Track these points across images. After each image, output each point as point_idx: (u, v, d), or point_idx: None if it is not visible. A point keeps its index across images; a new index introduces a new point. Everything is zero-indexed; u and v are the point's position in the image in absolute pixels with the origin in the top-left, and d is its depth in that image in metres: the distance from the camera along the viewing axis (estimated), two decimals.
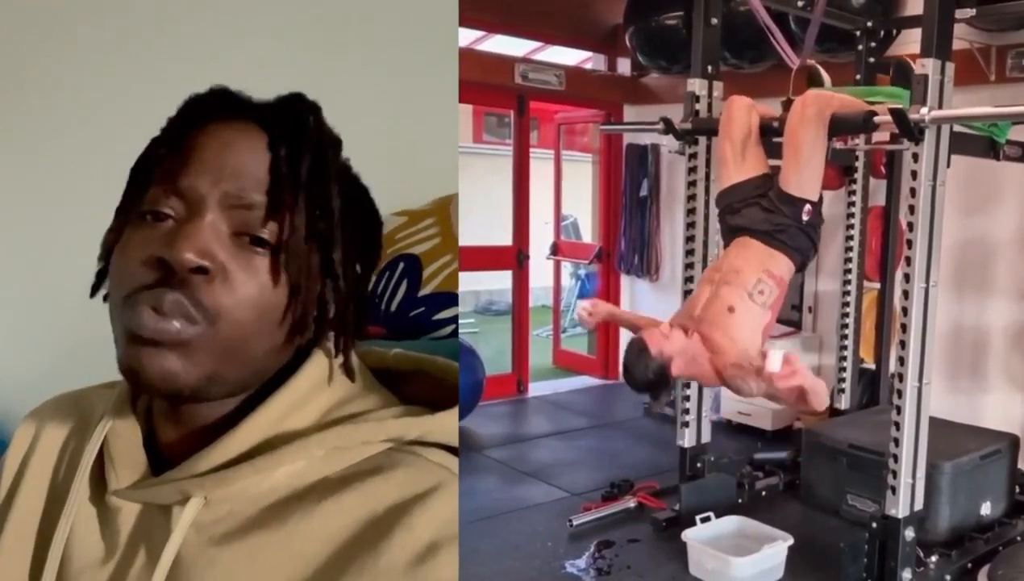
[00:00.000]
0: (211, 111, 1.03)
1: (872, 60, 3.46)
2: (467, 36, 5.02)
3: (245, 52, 2.21)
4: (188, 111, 1.05)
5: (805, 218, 2.33)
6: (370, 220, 1.14)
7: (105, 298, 1.05)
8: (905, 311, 2.45)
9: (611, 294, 5.53)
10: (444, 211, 1.77)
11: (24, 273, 2.45)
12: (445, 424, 1.03)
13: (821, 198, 2.42)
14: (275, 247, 0.98)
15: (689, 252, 3.08)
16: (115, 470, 1.05)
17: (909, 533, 2.49)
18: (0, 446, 1.21)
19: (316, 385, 1.04)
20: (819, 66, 2.82)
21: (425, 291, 1.66)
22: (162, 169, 0.99)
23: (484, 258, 5.16)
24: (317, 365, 1.05)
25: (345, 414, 1.03)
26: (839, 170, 3.60)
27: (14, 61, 2.51)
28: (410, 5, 2.16)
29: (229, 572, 0.96)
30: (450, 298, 1.64)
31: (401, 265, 1.69)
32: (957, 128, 2.51)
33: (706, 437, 3.20)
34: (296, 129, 1.02)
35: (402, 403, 1.08)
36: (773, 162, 2.50)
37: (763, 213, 2.36)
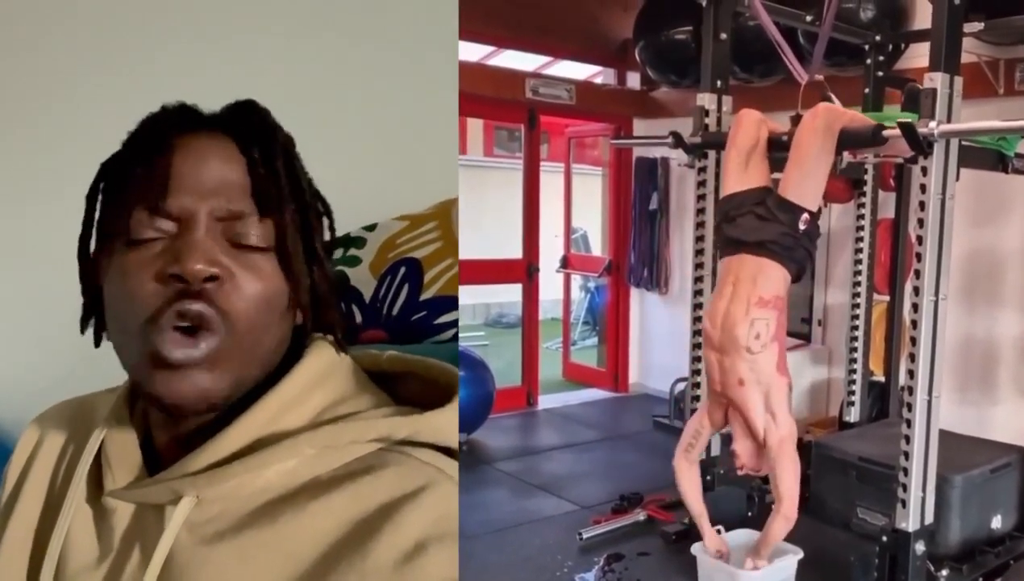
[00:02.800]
0: (172, 126, 1.05)
1: (880, 74, 3.47)
2: (478, 51, 5.05)
3: (249, 62, 2.22)
4: (148, 129, 1.07)
5: (802, 227, 2.33)
6: (321, 209, 1.15)
7: (97, 333, 1.07)
8: (914, 324, 2.45)
9: (621, 307, 5.54)
10: (446, 215, 1.77)
11: (32, 279, 2.46)
12: (436, 424, 1.04)
13: (820, 210, 2.43)
14: (275, 246, 1.02)
15: (698, 265, 3.09)
16: (111, 471, 1.06)
17: (919, 547, 2.49)
18: (8, 452, 1.23)
19: (309, 385, 1.05)
20: (829, 93, 2.83)
21: (427, 295, 1.67)
22: (139, 191, 1.01)
23: (494, 271, 5.18)
24: (310, 365, 1.07)
25: (337, 415, 1.04)
26: (848, 183, 3.61)
27: (14, 65, 2.53)
28: (410, 13, 2.17)
29: (220, 571, 0.97)
30: (452, 302, 1.65)
31: (403, 269, 1.70)
32: (965, 141, 2.51)
33: (716, 450, 3.20)
34: (261, 131, 1.06)
35: (396, 405, 1.09)
36: (778, 176, 2.50)
37: (757, 221, 2.36)
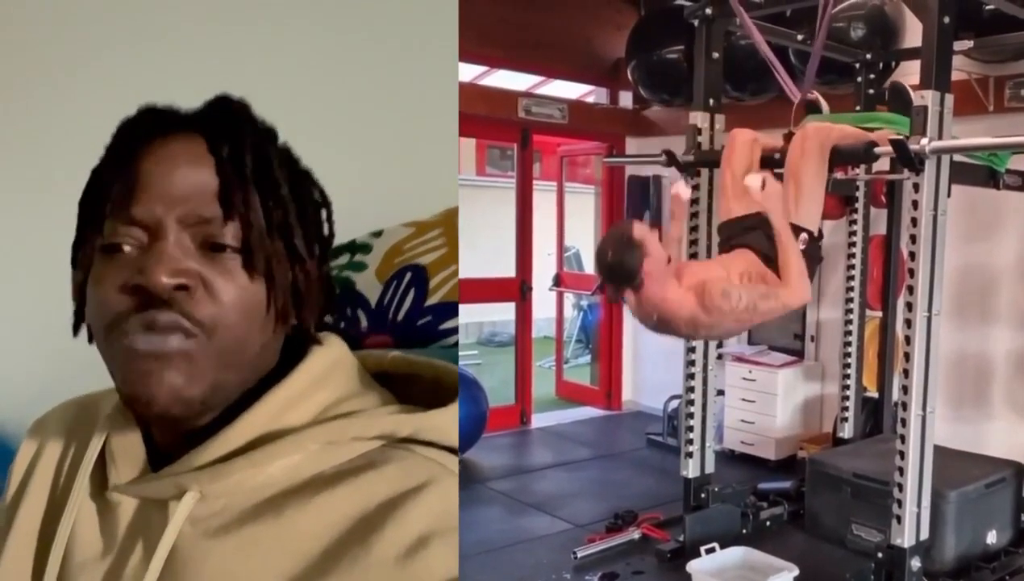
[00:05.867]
0: (147, 130, 1.04)
1: (871, 91, 3.49)
2: (471, 71, 5.07)
3: (258, 70, 2.23)
4: (123, 135, 1.06)
5: (801, 247, 2.35)
6: (318, 200, 1.15)
7: (90, 338, 1.07)
8: (908, 340, 2.46)
9: (614, 325, 5.54)
10: (451, 222, 1.79)
11: (34, 279, 2.46)
12: (438, 421, 1.05)
13: (821, 233, 2.44)
14: (241, 246, 1.01)
15: None
16: (115, 466, 1.07)
17: (915, 563, 2.48)
18: (10, 453, 1.23)
19: (313, 383, 1.05)
20: (819, 95, 2.85)
21: (432, 301, 1.68)
22: (112, 200, 1.01)
23: (487, 290, 5.17)
24: (313, 363, 1.07)
25: (341, 412, 1.05)
26: (840, 200, 3.63)
27: (17, 62, 2.53)
28: (413, 27, 2.19)
29: (223, 565, 0.97)
30: (455, 308, 1.67)
31: (408, 275, 1.71)
32: (957, 158, 2.53)
33: (710, 467, 3.19)
34: (232, 127, 1.05)
35: (400, 404, 1.10)
36: None
37: (766, 239, 2.38)
